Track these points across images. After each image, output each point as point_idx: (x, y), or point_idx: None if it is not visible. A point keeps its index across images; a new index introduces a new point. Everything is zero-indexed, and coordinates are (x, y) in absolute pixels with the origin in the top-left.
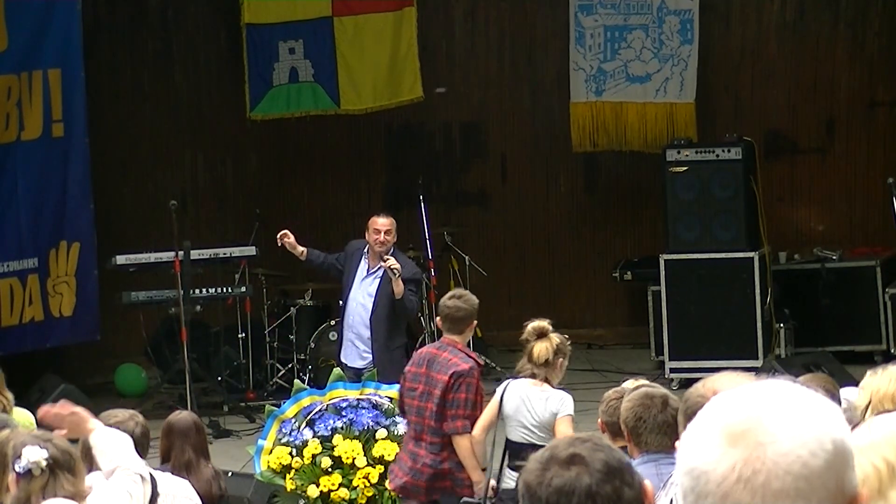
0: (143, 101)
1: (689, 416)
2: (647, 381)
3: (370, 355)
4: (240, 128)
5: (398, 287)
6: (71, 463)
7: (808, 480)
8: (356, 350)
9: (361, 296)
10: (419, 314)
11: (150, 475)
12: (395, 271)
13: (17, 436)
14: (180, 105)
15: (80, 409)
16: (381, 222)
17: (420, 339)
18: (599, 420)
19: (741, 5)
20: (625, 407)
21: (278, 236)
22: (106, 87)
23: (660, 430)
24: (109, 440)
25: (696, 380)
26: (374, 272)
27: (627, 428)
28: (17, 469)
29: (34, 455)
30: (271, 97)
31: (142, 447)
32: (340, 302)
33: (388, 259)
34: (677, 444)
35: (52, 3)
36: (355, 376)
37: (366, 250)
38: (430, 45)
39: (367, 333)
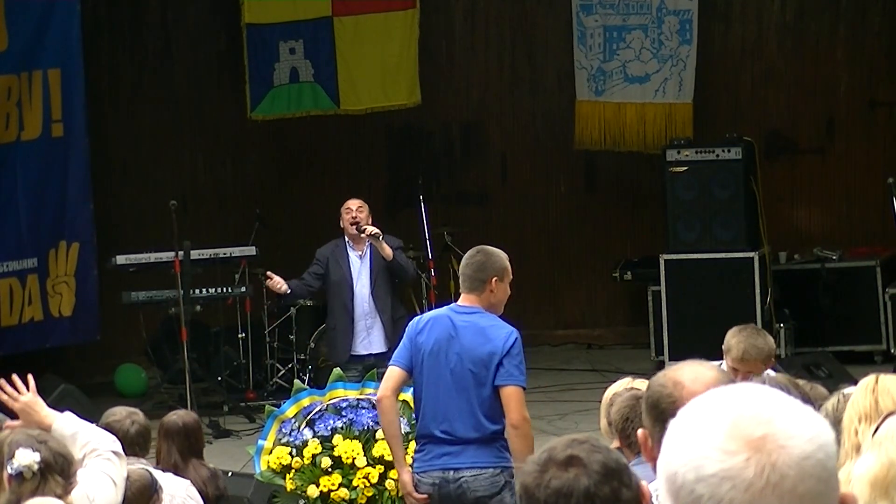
0: (143, 101)
1: (650, 405)
2: (629, 378)
3: (385, 335)
4: (240, 128)
5: (386, 250)
6: (64, 465)
7: (826, 482)
8: (379, 334)
9: (362, 284)
10: (418, 309)
11: (150, 473)
12: (377, 235)
13: (14, 433)
14: (180, 105)
15: (31, 399)
16: (353, 201)
17: None
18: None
19: (741, 5)
20: (613, 410)
21: (266, 281)
22: (106, 87)
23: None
24: (72, 425)
25: None
26: (363, 255)
27: (617, 430)
28: (9, 470)
29: (26, 458)
30: (272, 97)
31: (139, 446)
32: (346, 301)
33: (364, 229)
34: (639, 432)
35: (52, 3)
36: (374, 364)
37: (347, 242)
38: (430, 45)
39: (376, 313)
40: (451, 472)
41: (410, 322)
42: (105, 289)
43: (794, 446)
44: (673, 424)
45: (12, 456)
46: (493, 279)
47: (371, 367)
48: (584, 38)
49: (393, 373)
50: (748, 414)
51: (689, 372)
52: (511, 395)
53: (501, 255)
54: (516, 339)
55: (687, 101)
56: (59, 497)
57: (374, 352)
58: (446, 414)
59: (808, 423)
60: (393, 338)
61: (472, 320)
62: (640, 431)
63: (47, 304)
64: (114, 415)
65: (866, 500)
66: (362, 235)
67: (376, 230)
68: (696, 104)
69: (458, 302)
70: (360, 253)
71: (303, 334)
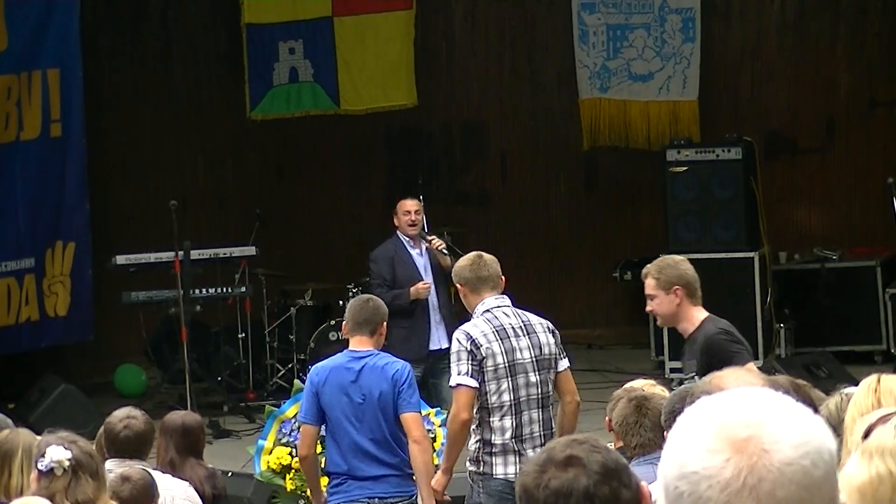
0: (143, 101)
1: None
2: (651, 381)
3: (447, 329)
4: (240, 128)
5: (446, 261)
6: (93, 466)
7: (808, 490)
8: (444, 329)
9: (428, 281)
10: None
11: (150, 475)
12: (444, 250)
13: (17, 438)
14: (180, 105)
15: None
16: (410, 203)
17: None
18: (606, 418)
19: (741, 5)
20: (615, 413)
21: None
22: (106, 87)
23: (647, 432)
24: None
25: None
26: (421, 252)
27: (617, 433)
28: (39, 467)
29: (58, 455)
30: (271, 97)
31: (132, 450)
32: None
33: (432, 239)
34: None
35: (51, 3)
36: (442, 357)
37: (406, 241)
38: (430, 45)
39: (438, 308)
40: (377, 500)
41: (310, 374)
42: (105, 289)
43: (777, 451)
44: (677, 423)
45: (43, 454)
46: (384, 323)
47: (434, 363)
48: (587, 36)
49: (309, 431)
50: (738, 416)
51: (733, 380)
52: (412, 419)
53: (384, 304)
54: (409, 370)
55: (692, 99)
56: (92, 500)
57: (443, 346)
58: (367, 451)
59: (800, 429)
60: (452, 331)
61: (369, 362)
62: None
63: (43, 303)
64: (112, 417)
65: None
66: (430, 246)
67: (443, 244)
68: (698, 102)
69: (352, 346)
70: (419, 250)
71: (303, 334)
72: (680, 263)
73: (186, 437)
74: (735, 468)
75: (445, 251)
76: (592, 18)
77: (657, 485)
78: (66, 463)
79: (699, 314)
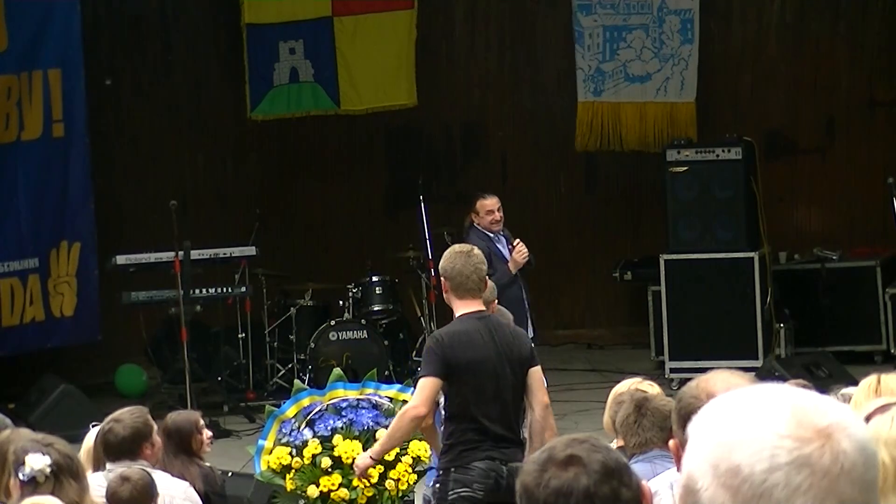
0: (143, 101)
1: (684, 416)
2: (639, 379)
3: (532, 321)
4: (240, 128)
5: (516, 266)
6: (74, 467)
7: (879, 471)
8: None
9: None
10: (420, 314)
11: (149, 475)
12: (532, 261)
13: (17, 439)
14: (180, 105)
15: None
16: (490, 202)
17: (420, 339)
18: (605, 418)
19: (741, 5)
20: (620, 414)
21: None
22: (106, 87)
23: (645, 431)
24: None
25: None
26: (503, 247)
27: (618, 431)
28: (20, 477)
29: (38, 463)
30: (272, 97)
31: (118, 451)
32: (517, 292)
33: (521, 251)
34: (671, 443)
35: (52, 3)
36: None
37: (490, 234)
38: (430, 45)
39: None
40: None
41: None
42: (105, 289)
43: (859, 435)
44: (707, 424)
45: (22, 462)
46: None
47: None
48: (583, 38)
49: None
50: (809, 404)
51: (721, 382)
52: None
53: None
54: None
55: (689, 101)
56: (77, 502)
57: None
58: None
59: (860, 420)
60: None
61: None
62: (671, 442)
63: (49, 304)
64: (107, 419)
65: None
66: (518, 257)
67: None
68: (696, 104)
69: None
70: (501, 245)
71: (303, 334)
72: (453, 257)
73: (172, 436)
74: (832, 454)
75: (533, 262)
76: (588, 20)
77: (658, 480)
78: (48, 470)
79: (460, 309)
